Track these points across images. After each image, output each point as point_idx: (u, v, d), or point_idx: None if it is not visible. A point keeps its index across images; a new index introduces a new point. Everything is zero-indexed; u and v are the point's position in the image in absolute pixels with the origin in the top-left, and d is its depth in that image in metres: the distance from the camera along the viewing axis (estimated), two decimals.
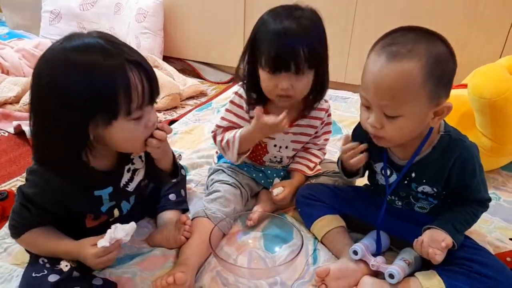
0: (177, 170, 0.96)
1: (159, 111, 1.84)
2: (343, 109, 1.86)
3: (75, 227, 0.85)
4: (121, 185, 0.86)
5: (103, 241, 0.74)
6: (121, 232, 0.75)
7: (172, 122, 1.74)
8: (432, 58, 0.73)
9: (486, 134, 1.20)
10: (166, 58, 2.41)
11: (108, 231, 0.75)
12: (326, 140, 1.16)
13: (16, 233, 0.80)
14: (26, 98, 1.71)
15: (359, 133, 0.91)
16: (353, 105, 1.90)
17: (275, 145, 1.11)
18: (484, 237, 1.02)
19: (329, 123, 1.14)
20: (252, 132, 0.99)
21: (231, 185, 1.07)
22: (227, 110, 1.09)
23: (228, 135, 1.05)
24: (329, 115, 1.13)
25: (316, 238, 1.01)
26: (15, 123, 1.55)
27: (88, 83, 0.67)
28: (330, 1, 1.96)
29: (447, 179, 0.85)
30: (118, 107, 0.70)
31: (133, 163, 0.88)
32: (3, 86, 1.81)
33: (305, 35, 0.91)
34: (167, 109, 1.89)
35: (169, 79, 2.00)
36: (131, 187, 0.89)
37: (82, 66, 0.67)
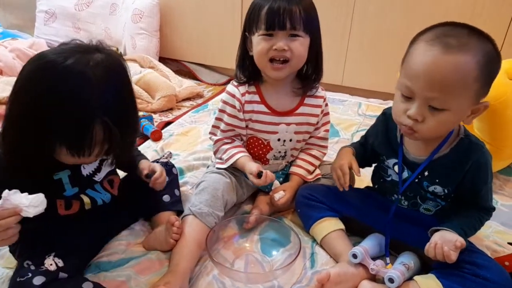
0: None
1: (154, 112, 1.82)
2: (341, 112, 1.86)
3: (48, 215, 0.78)
4: (85, 173, 0.84)
5: None
6: (22, 198, 0.65)
7: (167, 123, 1.72)
8: (485, 55, 0.73)
9: (484, 138, 1.19)
10: (162, 59, 2.40)
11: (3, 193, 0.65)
12: (327, 131, 1.14)
13: None
14: None
15: (375, 130, 0.96)
16: (350, 108, 1.90)
17: (278, 139, 1.08)
18: (482, 241, 1.02)
19: (327, 113, 1.13)
20: (245, 172, 1.02)
21: (221, 174, 1.05)
22: (220, 110, 1.08)
23: (222, 152, 1.07)
24: (327, 104, 1.12)
25: (314, 241, 1.00)
26: None
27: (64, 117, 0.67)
28: (328, 4, 1.96)
29: (461, 181, 0.85)
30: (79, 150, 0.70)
31: None
32: None
33: (299, 1, 0.93)
34: (163, 111, 1.88)
35: (165, 80, 1.99)
36: (99, 177, 0.87)
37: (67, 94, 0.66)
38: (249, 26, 0.98)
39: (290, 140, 1.09)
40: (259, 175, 0.97)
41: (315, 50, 1.00)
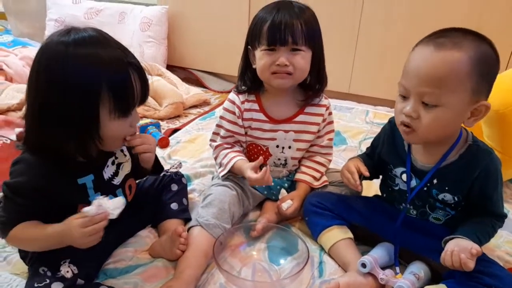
0: (159, 168, 1.00)
1: (162, 119, 1.83)
2: (348, 119, 1.85)
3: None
4: (106, 177, 0.85)
5: (88, 208, 0.71)
6: (108, 203, 0.72)
7: (174, 130, 1.73)
8: (479, 53, 0.74)
9: (494, 146, 1.18)
10: (169, 67, 2.41)
11: (94, 200, 0.73)
12: (330, 140, 1.14)
13: (5, 228, 0.76)
14: None
15: (382, 139, 0.96)
16: (357, 115, 1.89)
17: (277, 146, 1.09)
18: (493, 252, 1.00)
19: (330, 122, 1.13)
20: (243, 175, 1.01)
21: (226, 186, 1.05)
22: (221, 117, 1.10)
23: (222, 157, 1.07)
24: (330, 113, 1.12)
25: (322, 249, 0.99)
26: (17, 130, 1.54)
27: (107, 76, 0.71)
28: (335, 12, 1.97)
29: (470, 188, 0.84)
30: (127, 104, 0.74)
31: (116, 157, 0.88)
32: (6, 93, 1.80)
33: (301, 12, 0.95)
34: (170, 118, 1.88)
35: (172, 87, 2.00)
36: (117, 180, 0.89)
37: (93, 59, 0.70)
38: (251, 41, 1.00)
39: (290, 147, 1.09)
40: (260, 167, 0.96)
41: (317, 62, 1.01)
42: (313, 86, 1.05)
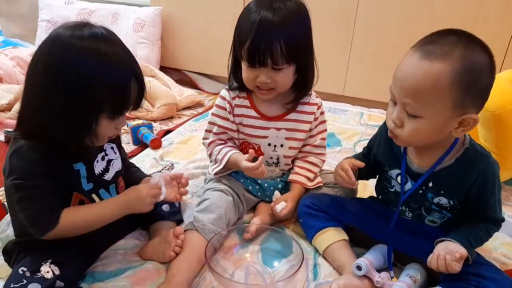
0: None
1: (154, 120, 1.81)
2: (342, 121, 1.84)
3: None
4: (96, 172, 0.86)
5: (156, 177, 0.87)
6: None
7: (167, 132, 1.70)
8: (465, 64, 0.71)
9: (490, 148, 1.17)
10: (163, 69, 2.39)
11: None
12: (323, 139, 1.13)
13: (53, 217, 0.75)
14: (18, 106, 1.68)
15: (378, 140, 0.95)
16: (352, 117, 1.89)
17: (269, 144, 1.08)
18: (489, 254, 0.99)
19: (323, 121, 1.12)
20: (239, 166, 1.00)
21: (223, 192, 1.04)
22: (212, 114, 1.10)
23: (216, 153, 1.07)
24: (322, 112, 1.11)
25: (316, 252, 0.97)
26: (5, 131, 1.51)
27: (112, 76, 0.73)
28: (330, 14, 1.97)
29: (467, 193, 0.83)
30: (120, 108, 0.76)
31: (106, 154, 0.89)
32: None
33: (283, 28, 0.90)
34: (163, 119, 1.86)
35: (166, 89, 1.98)
36: (108, 176, 0.89)
37: (102, 54, 0.72)
38: (236, 51, 0.99)
39: (282, 146, 1.08)
40: (254, 159, 0.96)
41: (303, 72, 1.00)
42: (300, 89, 1.03)
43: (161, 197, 0.85)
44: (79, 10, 2.44)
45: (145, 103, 1.85)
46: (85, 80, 0.71)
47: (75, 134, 0.75)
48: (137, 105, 0.80)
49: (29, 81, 0.75)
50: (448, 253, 0.76)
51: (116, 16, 2.40)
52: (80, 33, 0.72)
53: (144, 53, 2.30)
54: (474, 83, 0.72)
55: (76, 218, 0.78)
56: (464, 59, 0.71)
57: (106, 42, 0.73)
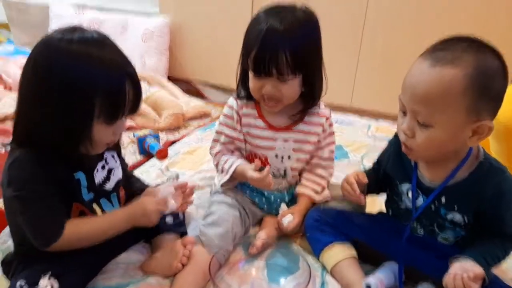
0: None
1: (161, 130, 1.80)
2: (349, 133, 1.81)
3: None
4: (97, 182, 0.84)
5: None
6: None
7: (174, 142, 1.69)
8: (478, 69, 0.69)
9: (501, 161, 1.13)
10: (170, 79, 2.40)
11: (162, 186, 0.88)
12: (332, 152, 1.11)
13: (56, 229, 0.74)
14: None
15: (387, 153, 0.93)
16: (360, 129, 1.86)
17: (276, 156, 1.06)
18: (506, 275, 0.94)
19: (331, 133, 1.10)
20: (245, 176, 0.99)
21: (229, 206, 1.02)
22: (220, 123, 1.09)
23: (222, 163, 1.05)
24: (331, 124, 1.09)
25: (324, 268, 0.94)
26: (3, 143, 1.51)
27: (103, 80, 0.71)
28: (337, 23, 1.96)
29: (481, 208, 0.80)
30: (115, 112, 0.74)
31: (107, 162, 0.87)
32: (5, 102, 1.79)
33: (289, 37, 0.89)
34: (170, 129, 1.85)
35: (172, 98, 1.98)
36: (109, 186, 0.88)
37: (96, 58, 0.71)
38: (243, 60, 0.98)
39: (289, 158, 1.06)
40: (260, 169, 0.95)
41: (310, 83, 0.98)
42: (308, 100, 1.02)
43: (169, 210, 0.85)
44: (89, 20, 2.47)
45: (152, 113, 1.87)
46: (75, 84, 0.70)
47: (69, 140, 0.74)
48: (134, 109, 0.79)
49: (21, 86, 0.74)
50: (464, 272, 0.72)
51: (125, 26, 2.42)
52: (70, 36, 0.71)
53: (152, 63, 2.31)
54: (487, 87, 0.71)
55: (80, 229, 0.77)
56: (476, 64, 0.69)
57: (98, 45, 0.72)
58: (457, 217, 0.83)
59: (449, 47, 0.72)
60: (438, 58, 0.71)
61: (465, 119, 0.72)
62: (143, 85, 2.02)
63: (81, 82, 0.70)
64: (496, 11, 1.71)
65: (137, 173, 1.28)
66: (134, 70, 0.77)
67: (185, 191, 0.91)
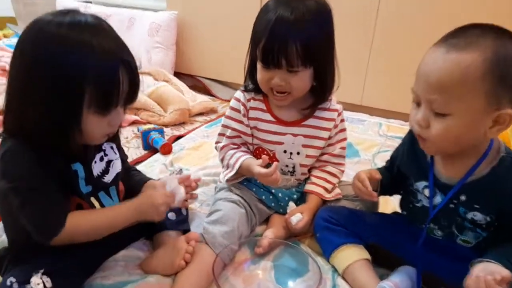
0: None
1: (166, 125, 1.77)
2: (360, 132, 1.79)
3: None
4: (95, 174, 0.80)
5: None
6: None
7: (178, 137, 1.66)
8: (497, 53, 0.65)
9: None
10: (177, 74, 2.37)
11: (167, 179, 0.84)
12: (343, 149, 1.07)
13: (57, 221, 0.70)
14: None
15: (402, 150, 0.89)
16: (370, 128, 1.83)
17: (284, 151, 1.02)
18: None
19: (343, 130, 1.06)
20: (252, 172, 0.94)
21: (235, 203, 0.98)
22: (226, 116, 1.06)
23: (228, 158, 1.01)
24: (342, 120, 1.05)
25: (335, 271, 0.90)
26: None
27: (93, 67, 0.66)
28: (348, 20, 1.91)
29: (504, 206, 0.75)
30: (108, 101, 0.69)
31: (106, 154, 0.84)
32: None
33: (300, 28, 0.85)
34: (175, 124, 1.82)
35: (178, 94, 1.95)
36: (108, 178, 0.84)
37: (87, 45, 0.66)
38: (252, 50, 0.95)
39: (298, 154, 1.02)
40: (268, 165, 0.91)
41: (321, 74, 0.94)
42: (319, 94, 0.98)
43: (177, 201, 0.81)
44: (95, 13, 2.45)
45: (157, 108, 1.84)
46: (62, 70, 0.65)
47: (58, 130, 0.69)
48: (130, 99, 0.74)
49: (10, 73, 0.70)
50: (488, 274, 0.67)
51: (132, 21, 2.40)
52: (60, 19, 0.66)
53: (159, 58, 2.29)
54: (507, 74, 0.66)
55: (83, 222, 0.73)
56: (496, 49, 0.65)
57: (90, 30, 0.67)
58: (478, 216, 0.78)
59: (463, 34, 0.69)
60: (452, 44, 0.68)
61: (485, 107, 0.67)
62: (148, 79, 2.02)
63: (69, 69, 0.65)
64: None
65: (140, 167, 1.25)
66: (131, 58, 0.72)
67: (189, 185, 0.87)
